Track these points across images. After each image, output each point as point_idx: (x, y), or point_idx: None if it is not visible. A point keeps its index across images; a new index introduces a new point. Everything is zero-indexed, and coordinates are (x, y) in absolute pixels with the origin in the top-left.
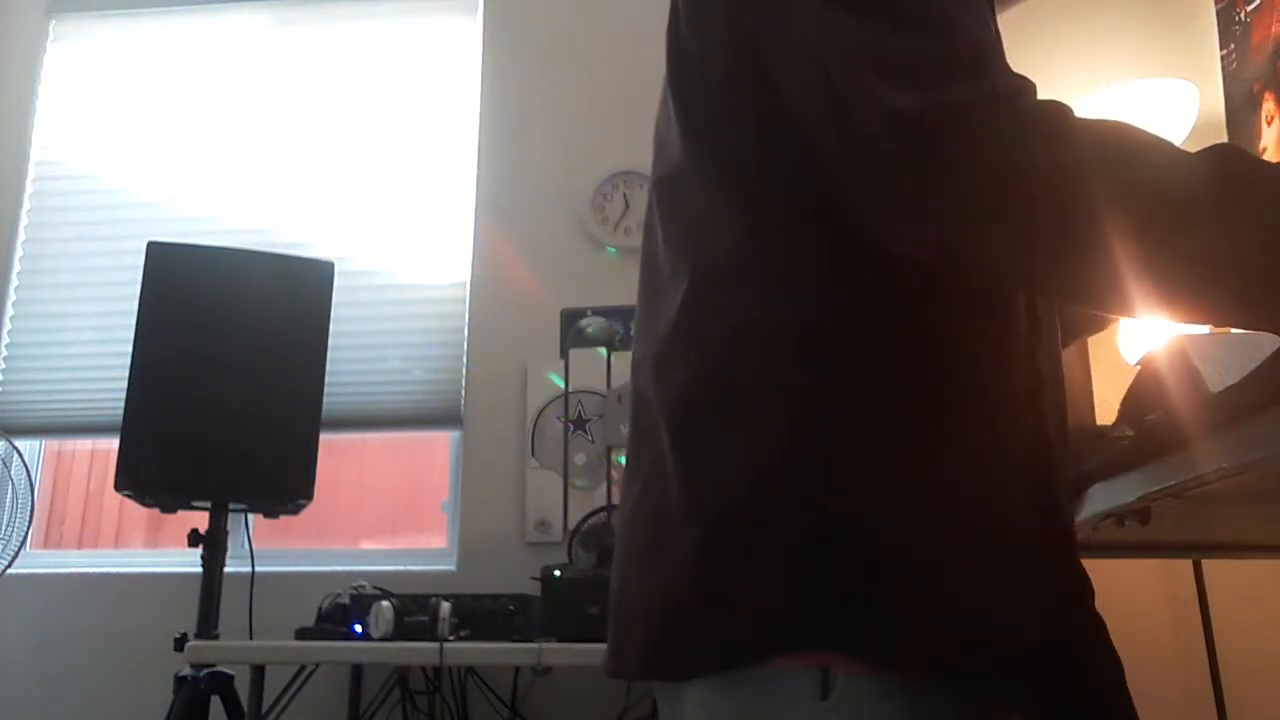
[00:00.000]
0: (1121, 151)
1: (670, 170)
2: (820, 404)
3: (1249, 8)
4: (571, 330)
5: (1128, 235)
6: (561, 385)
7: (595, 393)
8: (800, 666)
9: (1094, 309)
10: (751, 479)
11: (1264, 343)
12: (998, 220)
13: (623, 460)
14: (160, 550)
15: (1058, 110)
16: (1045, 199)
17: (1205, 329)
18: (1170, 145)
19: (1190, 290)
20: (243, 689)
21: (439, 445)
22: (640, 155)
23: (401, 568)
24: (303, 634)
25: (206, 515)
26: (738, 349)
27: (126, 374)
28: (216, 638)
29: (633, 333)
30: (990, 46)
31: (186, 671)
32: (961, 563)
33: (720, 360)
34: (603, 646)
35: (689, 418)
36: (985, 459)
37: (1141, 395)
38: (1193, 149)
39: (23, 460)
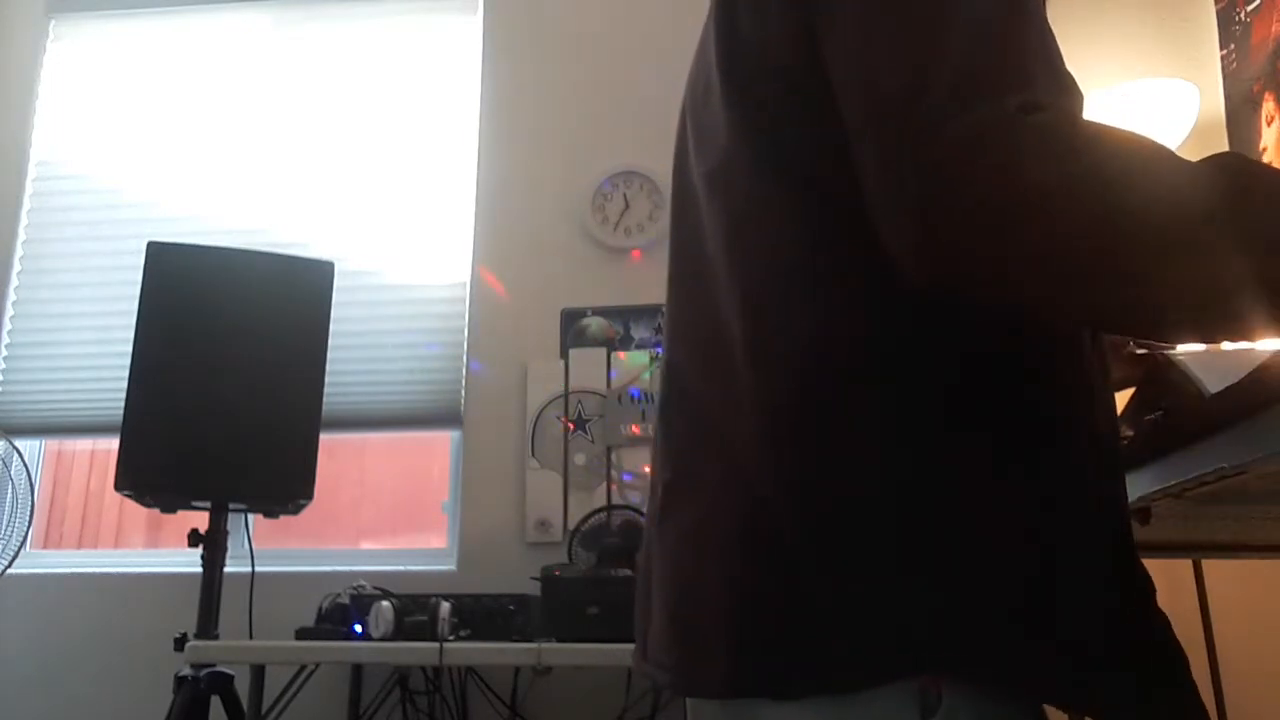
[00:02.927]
0: (1128, 168)
1: (719, 162)
2: (899, 422)
3: (1249, 8)
4: (571, 330)
5: (1134, 254)
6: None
7: (595, 393)
8: (900, 687)
9: (1103, 330)
10: (844, 497)
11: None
12: (1002, 246)
13: (633, 457)
14: (160, 550)
15: (1064, 127)
16: (1046, 222)
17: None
18: (1177, 158)
19: (1199, 307)
20: (243, 689)
21: (439, 445)
22: (640, 155)
23: (401, 568)
24: (303, 634)
25: (206, 515)
26: (807, 364)
27: (126, 374)
28: (216, 638)
29: (664, 323)
30: (1032, 53)
31: (186, 671)
32: (1059, 578)
33: (791, 375)
34: (604, 646)
35: (769, 433)
36: (1060, 467)
37: (1141, 395)
38: (1193, 149)
39: (23, 460)
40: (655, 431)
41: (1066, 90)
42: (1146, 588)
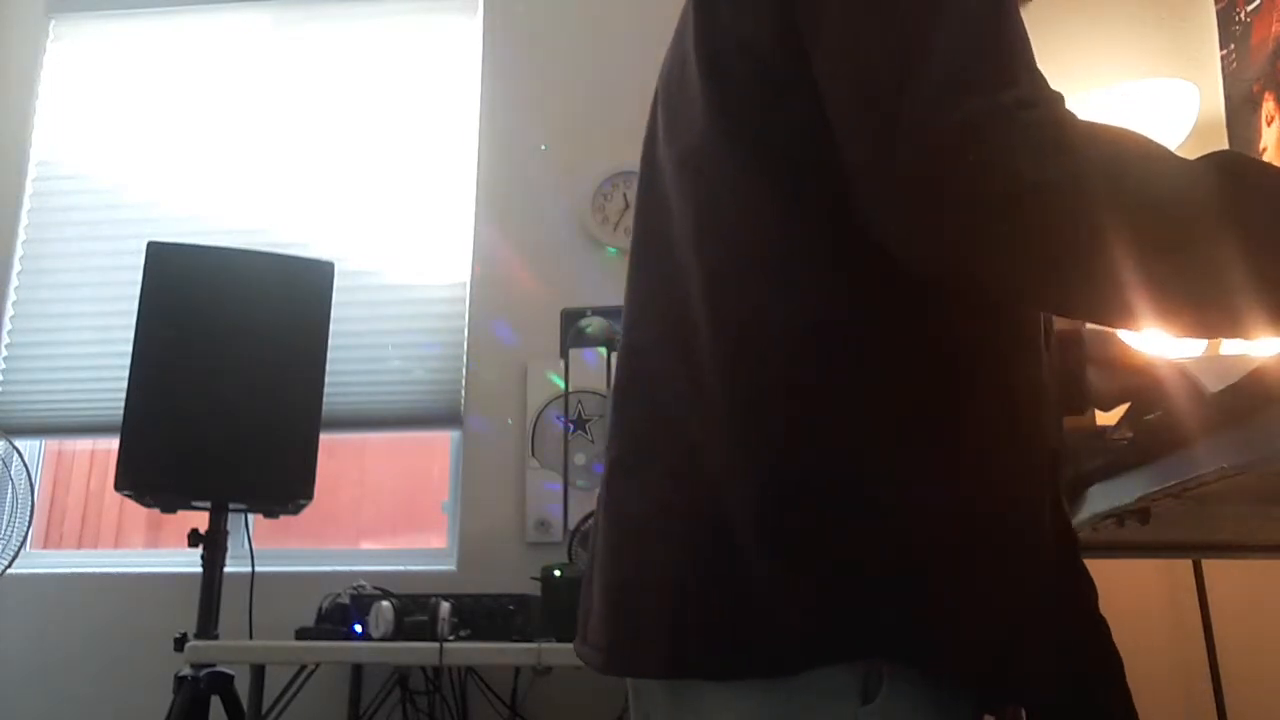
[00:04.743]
0: (1123, 163)
1: (693, 146)
2: (860, 409)
3: (1249, 8)
4: (571, 330)
5: (1130, 247)
6: (561, 385)
7: (595, 393)
8: (842, 669)
9: (1096, 322)
10: (800, 482)
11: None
12: (997, 237)
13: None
14: (160, 550)
15: (1059, 122)
16: (1045, 213)
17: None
18: (1172, 154)
19: (1195, 301)
20: (243, 689)
21: (439, 445)
22: (640, 155)
23: (401, 568)
24: (303, 634)
25: (206, 515)
26: (772, 350)
27: (126, 374)
28: (216, 638)
29: (625, 305)
30: (1015, 53)
31: (186, 671)
32: (995, 567)
33: (756, 360)
34: None
35: (729, 418)
36: (1013, 462)
37: (1138, 407)
38: (1193, 149)
39: (23, 460)
40: (609, 411)
41: (1049, 88)
42: (1085, 590)
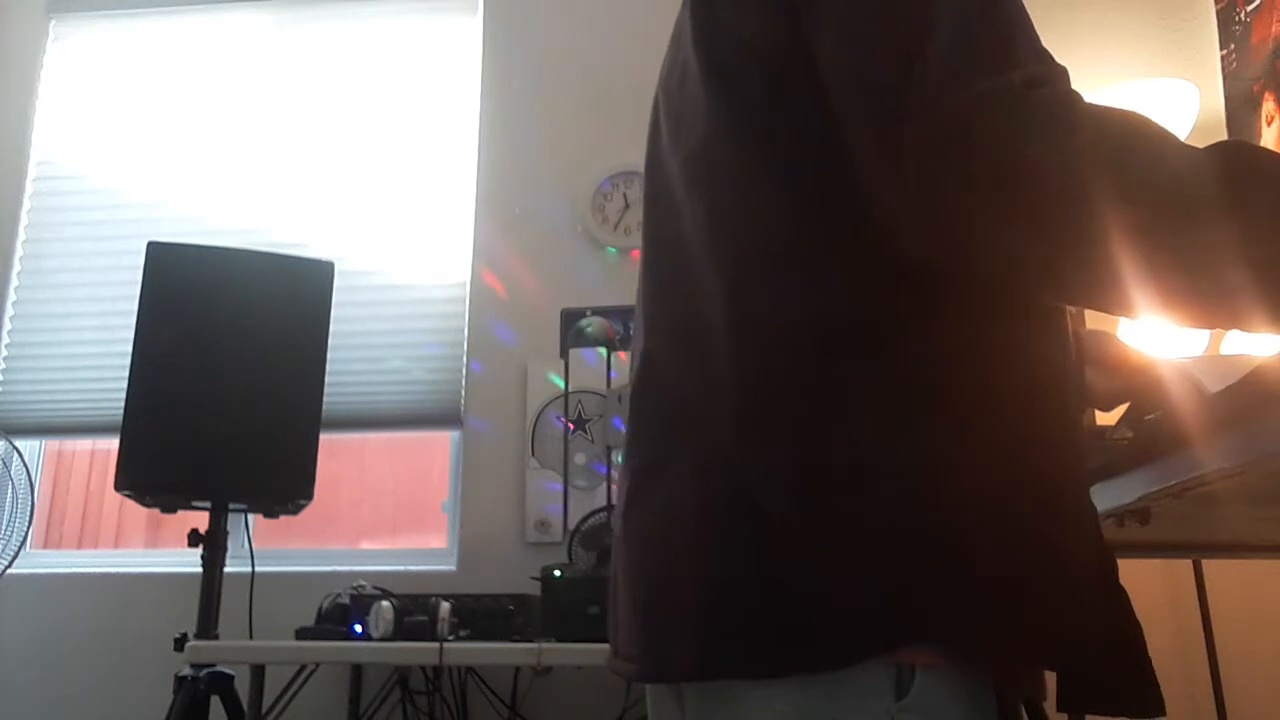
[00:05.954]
0: (1128, 144)
1: (698, 147)
2: (886, 398)
3: (1249, 8)
4: (571, 330)
5: (1129, 228)
6: (561, 385)
7: (595, 393)
8: (876, 664)
9: (1096, 308)
10: (824, 476)
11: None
12: (997, 214)
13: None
14: (160, 550)
15: (1067, 103)
16: (1048, 194)
17: (1205, 342)
18: (1177, 140)
19: (1192, 285)
20: (243, 689)
21: (439, 445)
22: (640, 155)
23: (401, 568)
24: (303, 634)
25: (206, 515)
26: (796, 343)
27: (126, 374)
28: (216, 638)
29: (637, 312)
30: (1019, 31)
31: (186, 671)
32: (1028, 550)
33: (780, 354)
34: (604, 646)
35: (753, 412)
36: (1036, 451)
37: (1137, 407)
38: None
39: (23, 460)
40: (627, 420)
41: (1056, 67)
42: (1110, 565)
